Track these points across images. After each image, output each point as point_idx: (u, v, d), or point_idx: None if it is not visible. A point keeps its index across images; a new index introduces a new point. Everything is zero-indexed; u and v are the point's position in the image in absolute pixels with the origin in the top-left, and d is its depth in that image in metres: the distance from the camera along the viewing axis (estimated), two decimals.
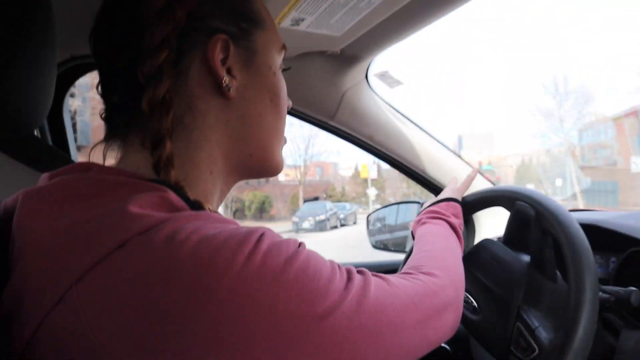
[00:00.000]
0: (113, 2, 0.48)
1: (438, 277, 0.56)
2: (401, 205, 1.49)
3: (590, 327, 0.63)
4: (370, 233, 1.53)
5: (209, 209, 0.46)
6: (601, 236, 0.95)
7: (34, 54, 0.47)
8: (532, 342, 0.69)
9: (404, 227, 1.44)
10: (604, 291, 0.74)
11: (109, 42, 0.47)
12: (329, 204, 21.47)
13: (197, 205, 0.44)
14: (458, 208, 0.88)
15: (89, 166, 0.44)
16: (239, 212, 24.48)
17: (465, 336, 1.00)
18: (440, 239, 0.74)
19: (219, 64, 0.47)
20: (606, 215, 1.01)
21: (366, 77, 1.10)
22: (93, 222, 0.37)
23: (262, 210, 25.78)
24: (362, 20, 0.82)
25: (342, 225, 20.40)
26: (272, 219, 24.93)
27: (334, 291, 0.39)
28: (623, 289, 0.73)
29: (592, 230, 0.96)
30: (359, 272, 0.45)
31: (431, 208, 0.87)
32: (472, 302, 0.82)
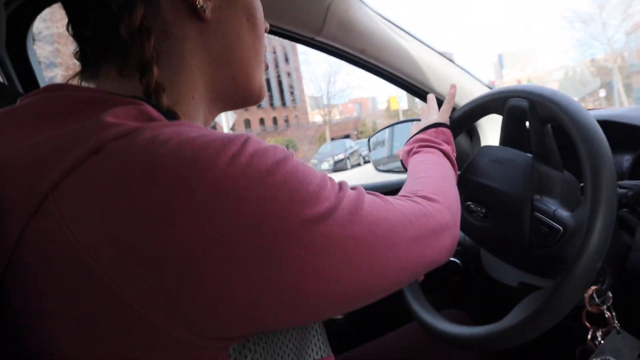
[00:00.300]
0: None
1: (434, 201, 0.56)
2: (401, 125, 1.44)
3: (613, 197, 0.61)
4: (373, 156, 1.49)
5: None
6: (615, 133, 0.90)
7: None
8: (554, 223, 0.68)
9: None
10: (621, 186, 0.71)
11: None
12: (349, 142, 21.09)
13: (175, 117, 0.44)
14: (448, 133, 0.85)
15: (62, 86, 0.42)
16: None
17: (476, 249, 0.99)
18: (435, 167, 0.72)
19: None
20: (621, 110, 0.96)
21: None
22: (66, 136, 0.37)
23: None
24: None
25: (365, 162, 20.46)
26: None
27: (325, 198, 0.38)
28: None
29: (607, 126, 0.91)
30: (352, 188, 0.44)
31: (420, 136, 0.84)
32: (479, 210, 0.80)
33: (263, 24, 0.54)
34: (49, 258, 0.34)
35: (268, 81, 34.87)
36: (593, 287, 0.72)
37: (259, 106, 33.96)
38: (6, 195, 0.36)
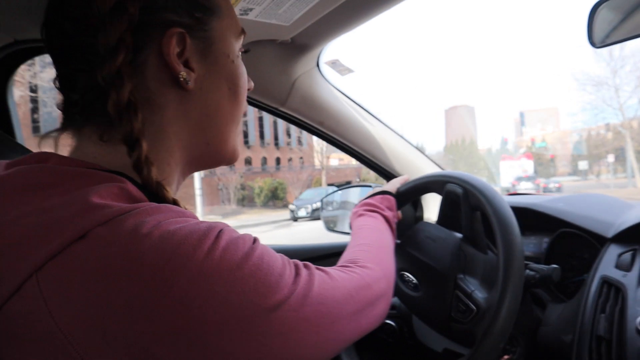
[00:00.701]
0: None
1: (372, 270, 0.60)
2: (354, 189, 1.53)
3: (519, 284, 0.70)
4: (324, 216, 1.56)
5: (171, 198, 0.48)
6: (535, 218, 1.03)
7: None
8: (470, 303, 0.76)
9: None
10: (531, 269, 0.81)
11: (63, 42, 0.46)
12: (332, 189, 20.68)
13: (157, 190, 0.46)
14: (392, 201, 0.93)
15: (47, 156, 0.44)
16: (246, 200, 23.63)
17: (408, 313, 1.06)
18: (375, 233, 0.78)
19: (175, 59, 0.47)
20: (539, 199, 1.09)
21: (317, 64, 1.12)
22: (52, 212, 0.38)
23: (275, 197, 24.90)
24: (310, 10, 0.83)
25: None
26: (284, 206, 24.32)
27: (283, 286, 0.42)
28: (546, 266, 0.80)
29: (527, 213, 1.03)
30: (304, 265, 0.48)
31: (367, 201, 0.92)
32: (412, 280, 0.88)
33: (245, 89, 0.56)
34: (27, 333, 0.35)
35: (275, 123, 33.23)
36: (506, 357, 0.81)
37: (263, 145, 32.18)
38: None
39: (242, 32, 0.56)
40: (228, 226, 0.43)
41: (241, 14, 0.83)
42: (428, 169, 1.35)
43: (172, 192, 0.51)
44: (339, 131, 1.20)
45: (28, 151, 0.55)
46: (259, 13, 0.83)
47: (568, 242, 0.97)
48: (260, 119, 32.27)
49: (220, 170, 23.33)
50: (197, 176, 13.10)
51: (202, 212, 13.37)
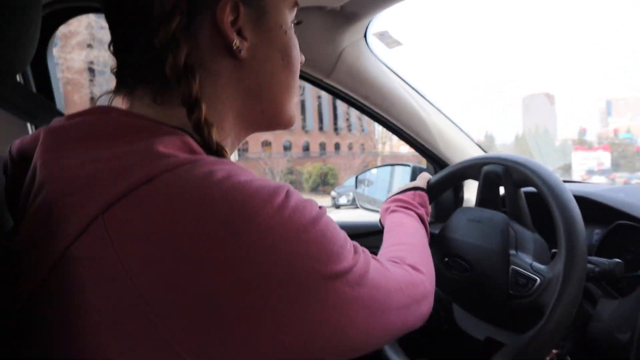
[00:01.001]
0: None
1: (420, 271, 0.61)
2: (392, 167, 1.49)
3: (584, 256, 0.68)
4: (358, 194, 1.54)
5: (228, 157, 0.48)
6: (588, 208, 0.97)
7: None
8: (532, 274, 0.74)
9: (392, 189, 1.45)
10: (589, 261, 0.76)
11: (120, 5, 0.47)
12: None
13: (217, 151, 0.46)
14: (424, 197, 0.91)
15: (109, 109, 0.44)
16: (294, 185, 22.50)
17: (448, 300, 1.03)
18: (414, 233, 0.78)
19: (229, 27, 0.47)
20: (596, 188, 1.03)
21: (365, 36, 1.08)
22: (118, 159, 0.39)
23: (325, 183, 24.38)
24: None
25: None
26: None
27: (343, 259, 0.42)
28: (608, 260, 0.75)
29: (580, 202, 0.98)
30: (362, 250, 0.48)
31: (399, 196, 0.90)
32: (461, 263, 0.85)
33: (298, 60, 0.56)
34: (93, 274, 0.36)
35: (335, 108, 32.24)
36: (554, 351, 0.77)
37: (321, 130, 31.51)
38: (57, 209, 0.38)
39: (296, 3, 0.55)
40: (293, 188, 0.43)
41: None
42: (473, 152, 1.29)
43: (228, 154, 0.52)
44: (384, 106, 1.16)
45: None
46: None
47: (624, 235, 0.91)
48: (319, 106, 31.21)
49: (274, 155, 23.36)
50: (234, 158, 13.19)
51: None
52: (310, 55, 1.03)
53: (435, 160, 1.30)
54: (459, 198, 1.35)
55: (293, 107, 0.58)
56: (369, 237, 1.35)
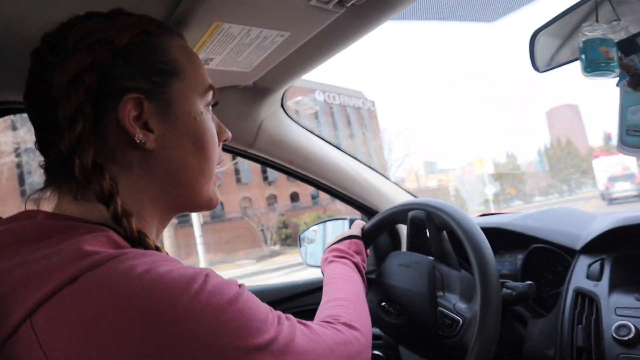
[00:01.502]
0: (33, 72, 0.51)
1: (354, 328, 0.62)
2: (331, 222, 1.54)
3: (497, 293, 0.72)
4: (302, 253, 1.56)
5: (153, 244, 0.50)
6: (507, 237, 1.05)
7: None
8: (455, 315, 0.78)
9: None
10: (507, 287, 0.83)
11: (33, 112, 0.52)
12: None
13: (140, 240, 0.48)
14: (360, 244, 0.94)
15: (34, 214, 0.47)
16: (290, 239, 20.75)
17: (394, 342, 1.06)
18: (349, 284, 0.79)
19: (131, 123, 0.49)
20: (509, 217, 1.12)
21: (282, 105, 1.15)
22: (44, 261, 0.41)
23: None
24: (269, 56, 0.86)
25: None
26: None
27: (265, 331, 0.44)
28: (521, 283, 0.81)
29: (498, 233, 1.06)
30: (287, 317, 0.50)
31: (336, 246, 0.93)
32: (394, 309, 0.88)
33: (213, 144, 0.57)
34: None
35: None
36: None
37: None
38: None
39: (210, 87, 0.58)
40: (213, 271, 0.45)
41: (203, 64, 0.84)
42: (400, 198, 1.37)
43: (152, 240, 0.53)
44: (309, 168, 1.22)
45: None
46: (220, 62, 0.85)
47: (541, 257, 0.99)
48: None
49: (261, 210, 22.06)
50: (197, 222, 11.95)
51: (203, 260, 11.92)
52: (232, 130, 1.07)
53: (366, 211, 1.37)
54: (396, 242, 1.41)
55: (212, 188, 0.59)
56: (315, 293, 1.36)
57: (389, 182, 1.38)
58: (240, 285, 0.47)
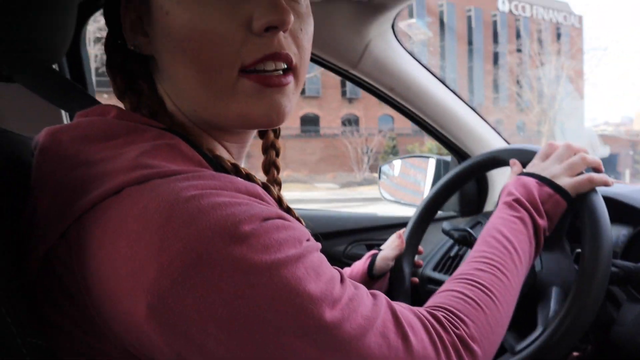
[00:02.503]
0: None
1: (472, 351, 0.44)
2: (414, 159, 1.48)
3: (606, 272, 0.66)
4: (383, 185, 1.53)
5: (230, 163, 0.46)
6: (616, 208, 0.95)
7: None
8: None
9: (415, 181, 1.44)
10: (614, 265, 0.75)
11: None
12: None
13: (214, 160, 0.44)
14: (561, 205, 0.65)
15: (108, 110, 0.45)
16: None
17: None
18: (510, 264, 0.57)
19: (128, 27, 0.47)
20: (625, 188, 1.00)
21: (392, 27, 1.06)
22: (100, 165, 0.39)
23: None
24: None
25: None
26: None
27: (320, 312, 0.36)
28: (634, 264, 0.74)
29: (608, 202, 0.96)
30: (374, 295, 0.42)
31: (530, 185, 0.66)
32: None
33: (200, 42, 0.42)
34: (60, 283, 0.38)
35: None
36: (575, 353, 0.77)
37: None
38: (41, 211, 0.39)
39: None
40: (284, 219, 0.39)
41: None
42: (496, 144, 1.27)
43: (227, 157, 0.49)
44: (409, 98, 1.15)
45: (99, 103, 0.57)
46: None
47: None
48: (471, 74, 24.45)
49: (370, 131, 19.32)
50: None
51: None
52: (337, 45, 1.03)
53: (458, 153, 1.29)
54: (483, 189, 1.34)
55: (234, 101, 0.44)
56: (391, 229, 1.32)
57: (488, 126, 1.27)
58: (309, 239, 0.40)
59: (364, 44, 1.04)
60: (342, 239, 1.23)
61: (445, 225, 0.97)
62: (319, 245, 0.42)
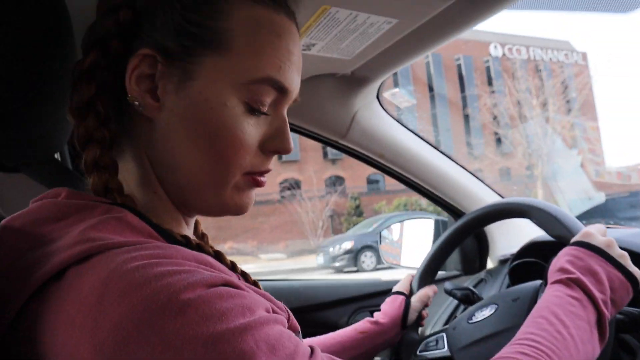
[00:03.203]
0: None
1: None
2: (415, 220, 1.49)
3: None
4: (383, 249, 1.53)
5: (180, 235, 0.46)
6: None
7: (57, 85, 0.49)
8: None
9: (416, 242, 1.44)
10: (620, 312, 0.74)
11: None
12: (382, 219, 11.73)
13: (162, 230, 0.43)
14: (629, 296, 0.58)
15: (59, 192, 0.45)
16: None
17: None
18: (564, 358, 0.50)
19: (131, 79, 0.45)
20: (621, 233, 1.01)
21: (377, 97, 1.12)
22: (45, 247, 0.39)
23: None
24: (371, 44, 0.83)
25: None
26: None
27: None
28: (637, 309, 0.73)
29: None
30: None
31: (591, 260, 0.59)
32: None
33: (231, 145, 0.45)
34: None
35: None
36: None
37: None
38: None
39: (265, 82, 0.46)
40: (235, 286, 0.38)
41: (304, 50, 0.84)
42: (489, 199, 1.29)
43: (182, 229, 0.50)
44: (399, 163, 1.19)
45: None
46: (321, 48, 0.84)
47: None
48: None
49: (320, 193, 18.00)
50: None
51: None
52: (325, 118, 1.08)
53: (454, 212, 1.31)
54: (483, 245, 1.34)
55: (226, 194, 0.48)
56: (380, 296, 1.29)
57: (479, 182, 1.30)
58: (265, 313, 0.38)
59: (351, 115, 1.09)
60: (345, 308, 1.22)
61: (448, 285, 0.97)
62: (282, 318, 0.40)
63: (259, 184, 0.49)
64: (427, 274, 0.99)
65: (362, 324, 0.90)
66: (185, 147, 0.46)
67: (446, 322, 1.14)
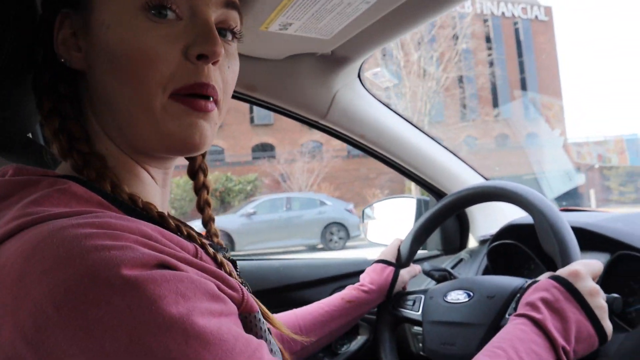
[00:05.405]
0: None
1: None
2: (397, 200, 1.50)
3: None
4: (365, 227, 1.54)
5: (157, 212, 0.45)
6: (588, 239, 0.96)
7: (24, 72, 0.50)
8: None
9: (399, 222, 1.45)
10: None
11: None
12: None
13: (113, 198, 0.42)
14: (591, 344, 0.59)
15: (6, 170, 0.45)
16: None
17: None
18: None
19: (59, 41, 0.46)
20: (595, 217, 1.02)
21: (359, 76, 1.10)
22: None
23: None
24: (350, 24, 0.81)
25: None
26: None
27: None
28: (607, 295, 0.74)
29: (581, 233, 0.97)
30: None
31: (560, 301, 0.58)
32: None
33: (140, 61, 0.43)
34: None
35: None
36: None
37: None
38: None
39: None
40: (168, 267, 0.36)
41: (281, 29, 0.82)
42: (472, 181, 1.29)
43: (146, 186, 0.49)
44: (380, 144, 1.18)
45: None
46: (299, 27, 0.82)
47: (627, 265, 0.90)
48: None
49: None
50: None
51: None
52: (305, 98, 1.06)
53: (436, 192, 1.31)
54: (464, 225, 1.35)
55: (163, 122, 0.45)
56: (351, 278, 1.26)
57: (463, 163, 1.30)
58: (212, 295, 0.37)
59: (331, 95, 1.07)
60: (326, 287, 1.22)
61: (426, 265, 0.98)
62: (226, 307, 0.38)
63: (196, 107, 0.45)
64: (417, 243, 0.99)
65: (349, 292, 0.90)
66: (110, 84, 0.45)
67: None
